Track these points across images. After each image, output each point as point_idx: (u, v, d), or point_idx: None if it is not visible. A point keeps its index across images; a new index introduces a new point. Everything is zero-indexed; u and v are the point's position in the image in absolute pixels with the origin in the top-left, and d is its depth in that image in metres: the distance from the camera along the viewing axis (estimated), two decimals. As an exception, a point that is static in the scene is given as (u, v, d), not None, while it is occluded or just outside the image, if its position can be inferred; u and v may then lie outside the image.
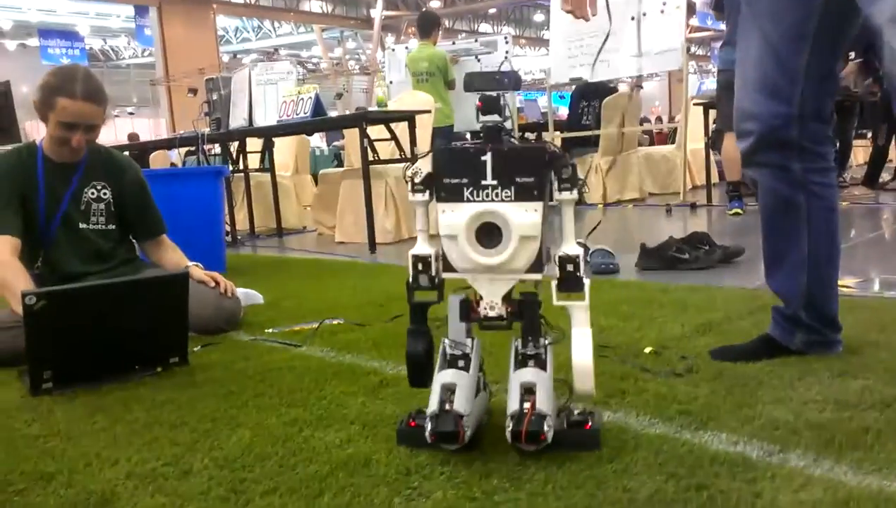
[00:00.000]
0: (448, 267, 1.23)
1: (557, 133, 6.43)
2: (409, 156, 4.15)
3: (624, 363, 1.63)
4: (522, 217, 1.17)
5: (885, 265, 2.79)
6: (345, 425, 1.36)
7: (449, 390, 1.21)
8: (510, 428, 1.15)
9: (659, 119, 15.41)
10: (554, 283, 1.21)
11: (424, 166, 1.25)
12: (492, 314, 1.23)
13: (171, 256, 2.34)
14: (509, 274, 1.20)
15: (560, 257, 1.21)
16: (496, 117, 1.22)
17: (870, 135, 6.13)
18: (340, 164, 8.46)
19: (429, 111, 4.66)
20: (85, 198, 2.21)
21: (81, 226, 2.20)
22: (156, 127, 24.32)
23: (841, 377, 1.44)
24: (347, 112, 23.52)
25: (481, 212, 1.18)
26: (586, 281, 1.21)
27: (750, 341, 1.66)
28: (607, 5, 2.01)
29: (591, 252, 3.04)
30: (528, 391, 1.18)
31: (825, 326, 1.58)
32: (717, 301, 2.17)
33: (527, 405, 1.16)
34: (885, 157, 5.62)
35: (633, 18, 5.57)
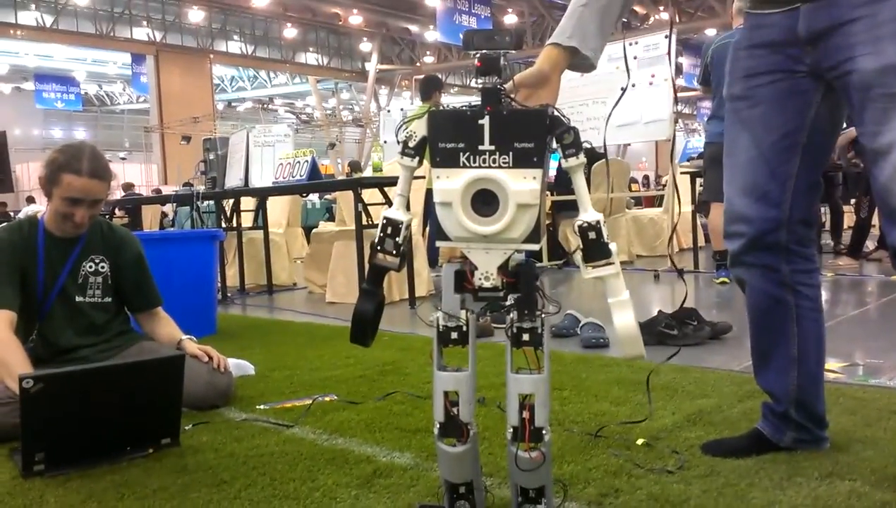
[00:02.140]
0: (442, 236, 1.19)
1: (548, 193, 6.53)
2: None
3: (617, 456, 1.64)
4: (521, 184, 1.14)
5: (869, 346, 2.83)
6: (339, 522, 1.36)
7: (452, 401, 1.21)
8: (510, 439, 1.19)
9: (646, 178, 15.67)
10: (579, 256, 1.18)
11: (419, 130, 1.21)
12: (486, 285, 1.19)
13: (165, 329, 2.34)
14: (506, 243, 1.17)
15: (580, 226, 1.18)
16: (495, 78, 1.17)
17: (853, 204, 6.28)
18: (332, 218, 8.52)
19: (423, 177, 4.73)
20: (83, 272, 2.23)
21: (78, 299, 2.21)
22: (147, 172, 24.42)
23: (828, 478, 1.46)
24: (339, 161, 23.71)
25: (477, 179, 1.15)
26: (612, 247, 1.18)
27: (740, 436, 1.68)
28: (626, 66, 2.07)
29: (581, 325, 3.08)
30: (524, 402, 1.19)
31: (814, 424, 1.61)
32: (706, 385, 2.20)
33: (525, 414, 1.18)
34: (867, 229, 5.74)
35: (622, 89, 5.72)
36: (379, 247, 1.25)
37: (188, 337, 2.31)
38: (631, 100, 5.65)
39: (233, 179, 5.12)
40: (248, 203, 5.71)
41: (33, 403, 1.59)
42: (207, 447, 1.82)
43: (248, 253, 5.50)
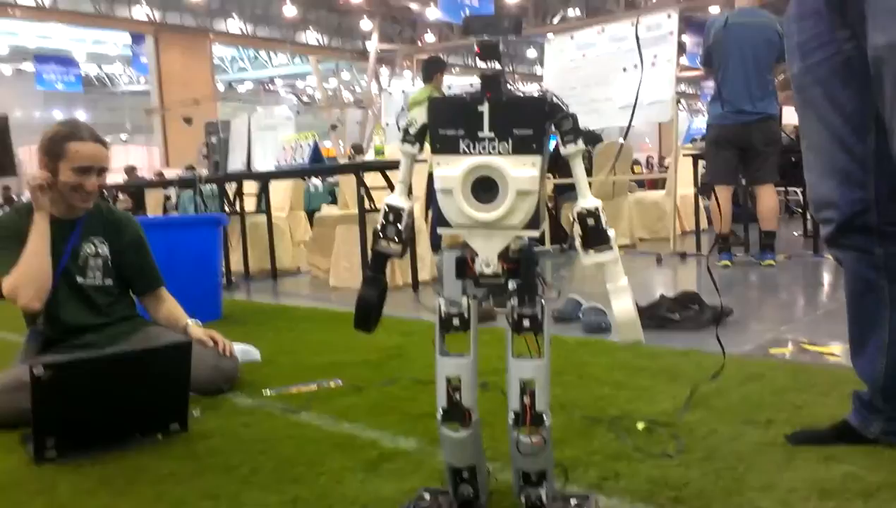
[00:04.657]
0: (443, 222, 1.21)
1: (549, 176, 6.54)
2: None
3: (618, 439, 1.67)
4: (520, 171, 1.15)
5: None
6: (345, 506, 1.39)
7: (454, 386, 1.23)
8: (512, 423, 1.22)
9: (649, 159, 15.62)
10: (578, 242, 1.20)
11: (420, 117, 1.23)
12: (487, 271, 1.21)
13: (171, 312, 2.37)
14: (506, 230, 1.18)
15: (578, 213, 1.20)
16: (495, 65, 1.17)
17: None
18: (335, 201, 8.52)
19: (425, 160, 4.73)
20: (83, 254, 2.25)
21: (79, 280, 2.24)
22: (149, 155, 24.38)
23: (826, 462, 1.48)
24: (341, 143, 23.69)
25: (477, 166, 1.16)
26: (611, 232, 1.20)
27: (827, 427, 1.63)
28: (638, 46, 2.05)
29: (582, 309, 3.10)
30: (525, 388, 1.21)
31: None
32: (706, 369, 2.21)
33: (526, 399, 1.21)
34: None
35: (624, 70, 5.71)
36: (381, 234, 1.27)
37: (194, 321, 2.34)
38: (633, 81, 5.63)
39: (235, 163, 5.13)
40: (250, 187, 5.72)
41: (44, 390, 1.62)
42: (216, 432, 1.86)
43: (251, 237, 5.52)
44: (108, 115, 30.78)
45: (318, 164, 4.43)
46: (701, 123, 14.97)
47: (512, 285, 1.22)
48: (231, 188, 5.41)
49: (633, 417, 1.82)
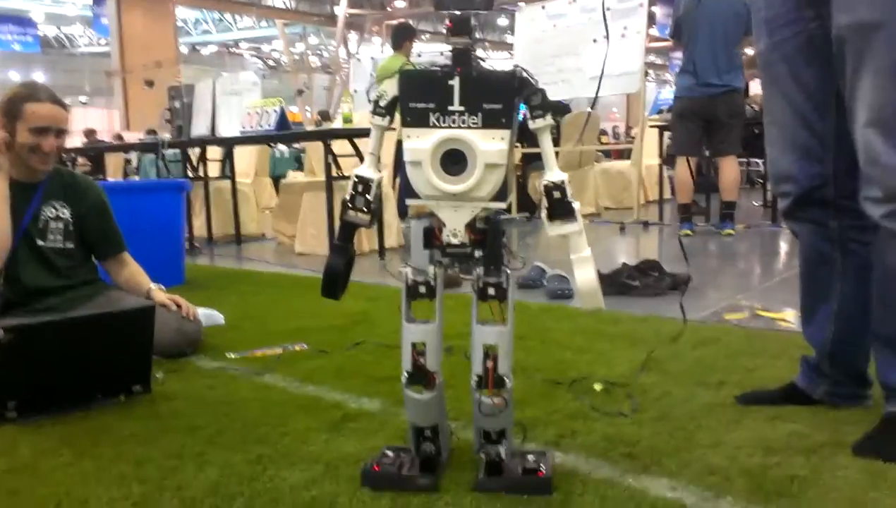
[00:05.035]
0: (412, 193, 1.24)
1: (518, 145, 6.55)
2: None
3: (577, 400, 1.72)
4: (489, 144, 1.18)
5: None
6: (309, 464, 1.41)
7: (419, 351, 1.26)
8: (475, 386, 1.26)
9: (616, 131, 15.70)
10: (544, 214, 1.23)
11: (391, 89, 1.24)
12: (454, 241, 1.24)
13: (134, 277, 2.36)
14: (473, 201, 1.21)
15: (545, 186, 1.22)
16: (466, 39, 1.19)
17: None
18: (301, 167, 8.45)
19: (394, 128, 4.72)
20: (43, 217, 2.23)
21: (39, 243, 2.22)
22: (109, 118, 23.78)
23: (772, 421, 1.55)
24: (308, 108, 23.27)
25: (447, 139, 1.18)
26: (576, 205, 1.23)
27: (775, 388, 1.70)
28: (605, 21, 2.07)
29: (547, 276, 3.15)
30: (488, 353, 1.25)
31: (852, 380, 1.61)
32: (664, 334, 2.28)
33: (489, 363, 1.24)
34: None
35: (594, 41, 5.71)
36: (350, 205, 1.29)
37: (157, 286, 2.33)
38: (603, 52, 5.64)
39: (199, 128, 5.05)
40: (214, 152, 5.65)
41: (6, 353, 1.60)
42: (179, 394, 1.86)
43: (215, 203, 5.46)
44: (67, 77, 29.85)
45: (285, 131, 4.38)
46: (668, 94, 15.09)
47: (478, 255, 1.24)
48: (195, 153, 5.33)
49: (591, 379, 1.87)
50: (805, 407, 1.61)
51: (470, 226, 1.24)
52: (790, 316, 2.49)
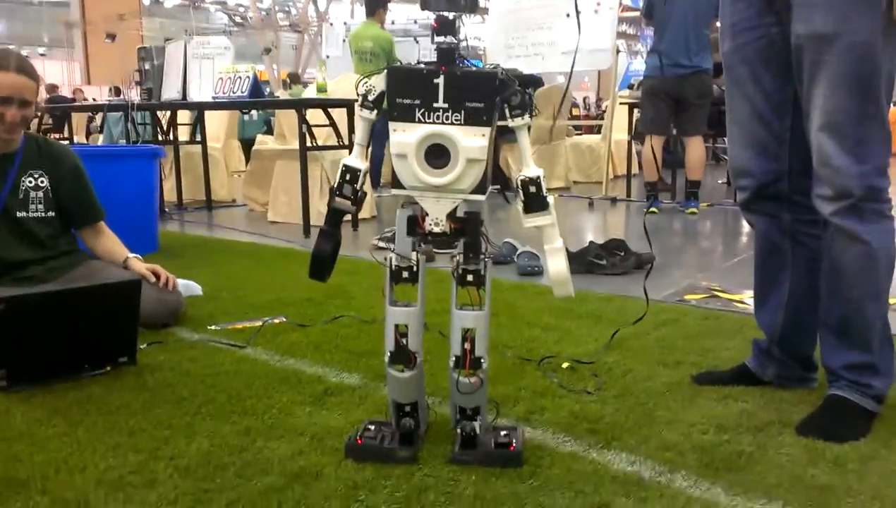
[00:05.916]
0: (397, 184, 1.31)
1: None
2: (346, 142, 4.24)
3: (545, 377, 1.83)
4: (471, 140, 1.26)
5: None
6: (294, 436, 1.50)
7: (401, 333, 1.35)
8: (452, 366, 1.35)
9: (587, 102, 15.79)
10: (520, 206, 1.33)
11: (378, 84, 1.30)
12: (436, 230, 1.32)
13: (110, 246, 2.38)
14: (455, 193, 1.30)
15: (521, 180, 1.31)
16: (451, 39, 1.26)
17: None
18: (270, 131, 8.38)
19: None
20: (23, 187, 2.24)
21: (20, 214, 2.23)
22: (70, 71, 23.08)
23: (724, 400, 1.68)
24: (275, 67, 22.80)
25: (431, 134, 1.26)
26: (550, 199, 1.32)
27: (728, 369, 1.82)
28: (576, 4, 2.09)
29: (517, 254, 3.25)
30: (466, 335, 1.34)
31: (798, 364, 1.73)
32: (628, 314, 2.40)
33: (467, 345, 1.33)
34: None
35: (567, 15, 5.76)
36: (338, 192, 1.37)
37: (134, 255, 2.36)
38: (575, 27, 5.70)
39: (170, 91, 5.00)
40: (183, 116, 5.59)
41: (-4, 324, 1.65)
42: (164, 366, 1.93)
43: (185, 167, 5.43)
44: (24, 26, 28.82)
45: (259, 99, 4.37)
46: (639, 65, 15.20)
47: (458, 243, 1.33)
48: (164, 116, 5.28)
49: (559, 358, 1.98)
50: (755, 388, 1.74)
51: (451, 216, 1.33)
52: (746, 298, 2.63)
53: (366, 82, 1.31)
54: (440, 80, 1.26)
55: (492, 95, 1.26)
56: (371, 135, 1.38)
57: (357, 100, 1.34)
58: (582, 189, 6.54)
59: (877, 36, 1.43)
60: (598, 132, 8.15)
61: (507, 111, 1.30)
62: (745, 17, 1.62)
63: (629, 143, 6.37)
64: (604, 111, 9.96)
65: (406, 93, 1.27)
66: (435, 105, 1.26)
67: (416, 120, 1.27)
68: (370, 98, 1.32)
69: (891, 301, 1.59)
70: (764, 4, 1.58)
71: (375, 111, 1.33)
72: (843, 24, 1.43)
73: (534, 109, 1.34)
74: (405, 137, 1.28)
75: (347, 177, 1.36)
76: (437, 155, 1.28)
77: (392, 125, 1.29)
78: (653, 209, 4.92)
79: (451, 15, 1.28)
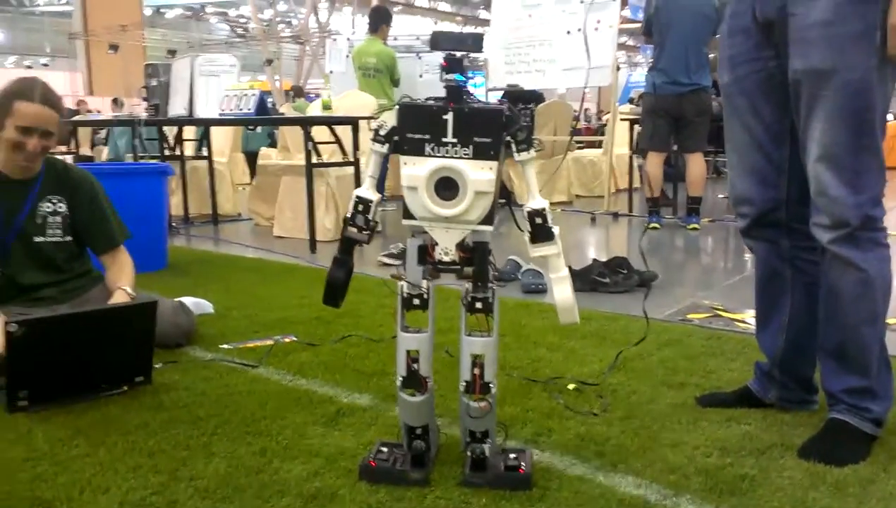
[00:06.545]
0: (408, 215, 1.37)
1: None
2: (350, 159, 4.29)
3: (551, 398, 1.88)
4: (479, 174, 1.31)
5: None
6: (309, 458, 1.54)
7: (413, 358, 1.40)
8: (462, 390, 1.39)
9: (588, 113, 15.87)
10: (527, 237, 1.39)
11: (390, 120, 1.36)
12: (446, 259, 1.37)
13: (113, 276, 2.32)
14: (463, 224, 1.35)
15: (528, 212, 1.37)
16: (459, 77, 1.33)
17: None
18: (274, 144, 8.44)
19: (374, 117, 4.81)
20: (41, 212, 2.27)
21: (37, 239, 2.26)
22: (72, 81, 23.18)
23: (728, 423, 1.72)
24: (277, 78, 22.90)
25: (441, 167, 1.32)
26: (555, 230, 1.38)
27: (731, 391, 1.87)
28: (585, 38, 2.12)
29: (522, 271, 3.30)
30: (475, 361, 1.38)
31: (800, 387, 1.78)
32: (631, 333, 2.45)
33: (476, 370, 1.38)
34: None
35: (568, 33, 5.83)
36: (351, 222, 1.43)
37: (125, 289, 2.24)
38: (576, 44, 5.76)
39: (176, 107, 5.06)
40: (189, 131, 5.66)
41: (18, 346, 1.70)
42: (179, 385, 1.97)
43: (191, 181, 5.48)
44: (26, 37, 28.99)
45: (265, 116, 4.43)
46: (639, 76, 15.29)
47: (467, 272, 1.38)
48: (171, 131, 5.34)
49: (564, 378, 2.02)
50: (757, 410, 1.78)
51: (460, 246, 1.39)
52: (748, 317, 2.67)
53: (378, 118, 1.37)
54: (449, 116, 1.32)
55: (499, 131, 1.32)
56: (381, 167, 1.44)
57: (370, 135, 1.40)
58: (584, 203, 6.59)
59: (871, 71, 1.49)
60: (600, 146, 8.21)
61: (513, 146, 1.35)
62: (744, 49, 1.67)
63: (630, 158, 6.43)
64: (604, 124, 10.03)
65: (417, 128, 1.33)
66: (444, 140, 1.32)
67: (427, 154, 1.33)
68: (382, 133, 1.37)
69: (889, 321, 1.64)
70: (762, 38, 1.63)
71: (388, 145, 1.38)
72: (840, 60, 1.49)
73: (537, 145, 1.39)
74: (416, 170, 1.33)
75: (360, 208, 1.42)
76: (447, 187, 1.33)
77: (403, 158, 1.35)
78: (655, 225, 4.97)
79: (458, 54, 1.34)
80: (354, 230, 1.43)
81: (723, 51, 1.72)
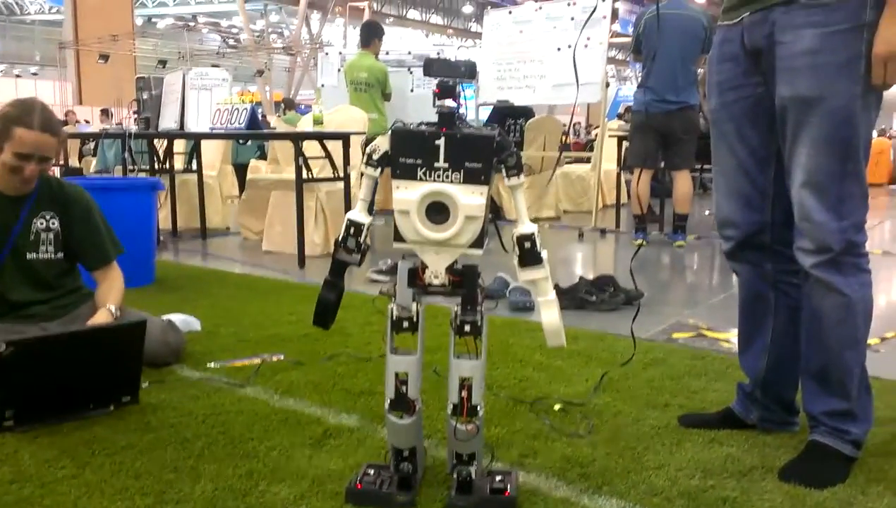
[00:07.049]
0: (399, 238, 1.39)
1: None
2: (341, 175, 4.31)
3: (538, 419, 1.89)
4: (469, 198, 1.34)
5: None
6: (296, 480, 1.55)
7: (402, 380, 1.41)
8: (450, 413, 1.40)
9: (577, 128, 15.97)
10: (515, 261, 1.41)
11: (383, 144, 1.37)
12: (436, 282, 1.39)
13: (102, 294, 2.32)
14: (454, 248, 1.37)
15: (517, 237, 1.39)
16: (451, 103, 1.35)
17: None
18: (263, 156, 8.45)
19: (364, 132, 4.84)
20: (34, 229, 2.28)
21: (29, 256, 2.26)
22: (62, 91, 23.10)
23: (710, 444, 1.74)
24: (268, 88, 22.90)
25: (432, 192, 1.34)
26: (543, 254, 1.40)
27: (714, 412, 1.90)
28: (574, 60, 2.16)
29: (510, 288, 3.32)
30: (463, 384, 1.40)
31: (781, 408, 1.80)
32: (617, 352, 2.47)
33: (464, 393, 1.40)
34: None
35: (558, 49, 5.89)
36: (343, 245, 1.44)
37: (109, 309, 2.24)
38: (566, 61, 5.82)
39: (167, 121, 5.07)
40: (179, 145, 5.66)
41: (6, 366, 1.70)
42: (166, 405, 1.97)
43: (180, 195, 5.48)
44: (16, 45, 28.92)
45: (256, 131, 4.45)
46: (628, 90, 15.40)
47: (457, 295, 1.40)
48: (160, 145, 5.34)
49: (551, 398, 2.04)
50: (740, 431, 1.81)
51: (450, 269, 1.40)
52: (732, 337, 2.70)
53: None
54: (441, 142, 1.34)
55: (489, 156, 1.35)
56: (373, 191, 1.46)
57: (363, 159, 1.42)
58: (572, 218, 6.63)
59: (856, 99, 1.52)
60: (588, 161, 8.26)
61: (503, 171, 1.38)
62: (732, 76, 1.71)
63: (618, 174, 6.48)
64: (593, 139, 10.11)
65: (409, 152, 1.35)
66: (436, 164, 1.34)
67: (418, 178, 1.35)
68: (375, 157, 1.39)
69: (870, 342, 1.66)
70: (750, 65, 1.67)
71: (380, 169, 1.40)
72: (826, 88, 1.52)
73: (525, 170, 1.42)
74: (407, 194, 1.35)
75: (352, 230, 1.44)
76: (438, 211, 1.36)
77: (395, 182, 1.37)
78: (640, 241, 5.01)
79: (451, 81, 1.37)
80: (346, 253, 1.45)
81: (711, 76, 1.76)
